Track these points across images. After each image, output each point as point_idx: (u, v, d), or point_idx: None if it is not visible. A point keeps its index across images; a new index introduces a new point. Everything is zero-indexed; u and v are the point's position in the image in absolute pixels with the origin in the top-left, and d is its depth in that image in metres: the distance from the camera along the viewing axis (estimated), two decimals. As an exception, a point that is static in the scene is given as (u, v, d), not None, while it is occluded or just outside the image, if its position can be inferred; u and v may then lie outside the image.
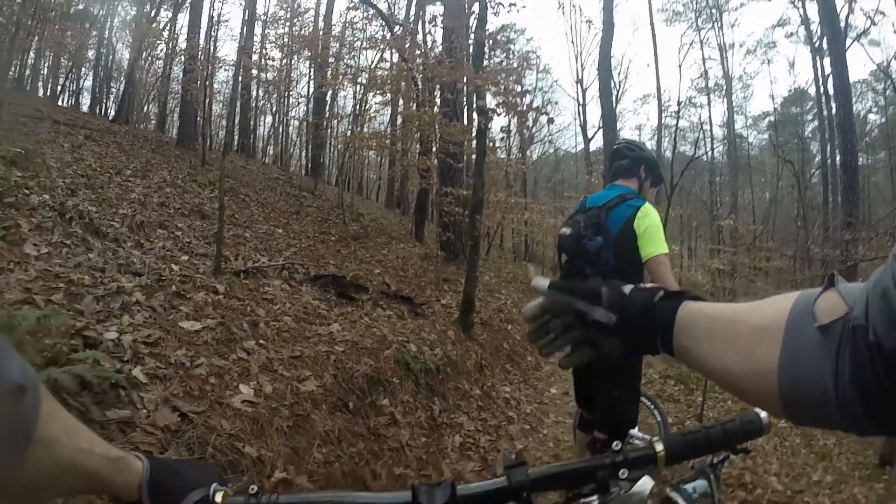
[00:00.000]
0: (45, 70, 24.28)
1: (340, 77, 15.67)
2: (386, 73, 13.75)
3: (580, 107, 33.18)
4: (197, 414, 2.59)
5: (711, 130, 31.52)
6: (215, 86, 20.28)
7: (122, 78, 24.16)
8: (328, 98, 21.46)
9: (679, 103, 27.96)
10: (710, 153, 29.42)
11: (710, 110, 36.60)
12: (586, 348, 0.84)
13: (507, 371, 7.56)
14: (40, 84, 23.81)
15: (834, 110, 16.35)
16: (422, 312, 6.66)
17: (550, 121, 12.63)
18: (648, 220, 3.23)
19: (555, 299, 0.84)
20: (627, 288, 0.80)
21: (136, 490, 0.82)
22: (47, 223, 4.76)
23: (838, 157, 16.05)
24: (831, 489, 4.89)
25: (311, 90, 21.68)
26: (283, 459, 2.73)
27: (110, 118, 18.48)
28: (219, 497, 0.87)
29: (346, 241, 10.08)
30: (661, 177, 3.67)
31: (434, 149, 11.54)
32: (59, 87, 23.38)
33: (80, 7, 22.75)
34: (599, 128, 26.23)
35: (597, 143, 30.53)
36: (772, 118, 31.83)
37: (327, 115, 19.80)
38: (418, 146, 13.50)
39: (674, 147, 20.42)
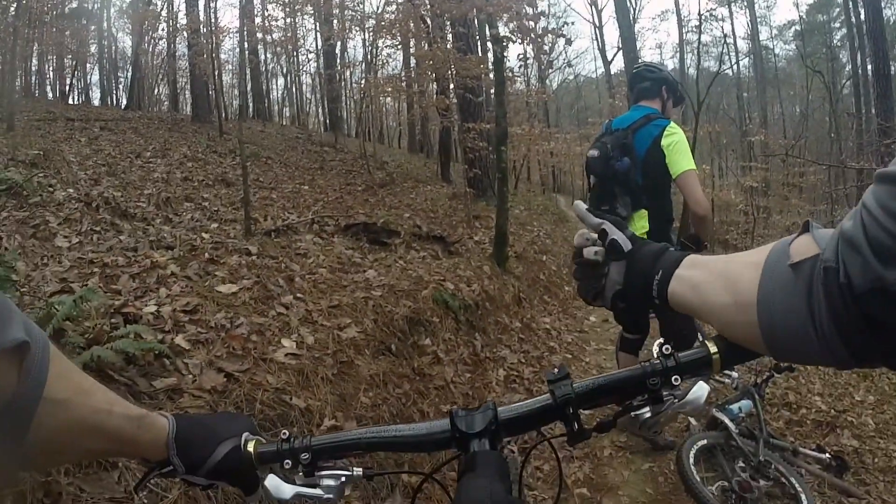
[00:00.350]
0: (51, 73, 24.50)
1: (347, 25, 15.38)
2: (393, 16, 13.44)
3: (597, 29, 32.34)
4: (242, 372, 2.61)
5: (735, 43, 30.39)
6: (222, 56, 20.13)
7: (127, 66, 24.20)
8: (337, 51, 21.21)
9: (700, 17, 26.89)
10: (735, 67, 28.39)
11: (732, 22, 34.92)
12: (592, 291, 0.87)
13: (546, 302, 7.54)
14: (48, 87, 24.10)
15: (863, 16, 15.53)
16: (455, 251, 6.64)
17: (568, 41, 12.22)
18: (675, 137, 3.34)
19: (587, 219, 0.86)
20: None
21: (164, 448, 0.80)
22: (75, 214, 4.82)
23: (869, 66, 15.42)
24: (874, 409, 4.89)
25: (320, 45, 21.40)
26: (330, 407, 2.76)
27: (122, 107, 18.62)
28: (250, 446, 0.86)
29: (373, 190, 10.05)
30: (682, 97, 3.78)
31: (452, 86, 11.32)
32: (66, 87, 23.62)
33: (75, 5, 22.71)
34: (618, 49, 25.41)
35: (617, 65, 29.75)
36: (798, 27, 30.57)
37: (339, 67, 19.56)
38: (435, 85, 13.26)
39: (697, 63, 19.69)
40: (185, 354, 2.65)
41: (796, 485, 3.21)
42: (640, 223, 3.45)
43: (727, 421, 3.50)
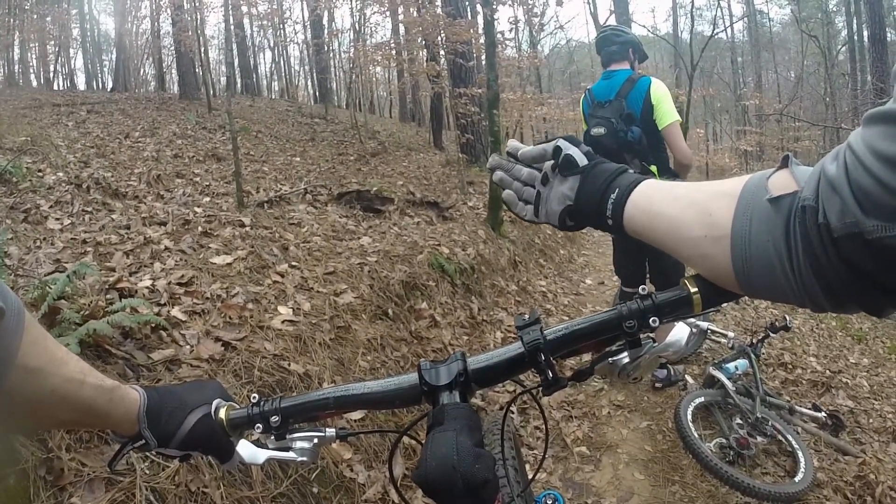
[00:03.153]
0: (34, 61, 24.20)
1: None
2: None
3: (589, -8, 31.74)
4: (239, 340, 2.62)
5: (730, 7, 29.80)
6: (208, 31, 19.89)
7: (111, 48, 23.94)
8: (325, 21, 20.95)
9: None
10: (729, 31, 27.97)
11: (726, -15, 34.39)
12: (530, 206, 0.85)
13: (541, 265, 7.54)
14: (32, 75, 23.79)
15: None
16: (450, 216, 6.61)
17: (559, 2, 12.02)
18: (661, 90, 3.52)
19: (533, 152, 0.83)
20: None
21: (135, 422, 0.80)
22: (65, 197, 4.78)
23: (865, 31, 15.22)
24: (868, 371, 4.95)
25: (307, 16, 21.15)
26: (329, 371, 2.77)
27: (109, 89, 18.41)
28: (222, 412, 0.85)
29: (366, 159, 9.99)
30: (645, 54, 3.89)
31: (442, 51, 11.18)
32: (51, 74, 23.33)
33: (54, -12, 22.31)
34: (611, 13, 25.04)
35: (610, 29, 29.23)
36: (792, -9, 29.91)
37: (326, 37, 19.30)
38: (425, 52, 13.10)
39: (691, 27, 19.23)
40: (182, 326, 2.66)
41: (793, 442, 3.26)
42: None
43: (724, 379, 3.54)
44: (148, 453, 0.87)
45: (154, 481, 1.80)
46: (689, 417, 3.18)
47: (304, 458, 0.85)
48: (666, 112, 3.46)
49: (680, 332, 0.76)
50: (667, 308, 0.70)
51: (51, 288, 2.57)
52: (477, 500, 0.66)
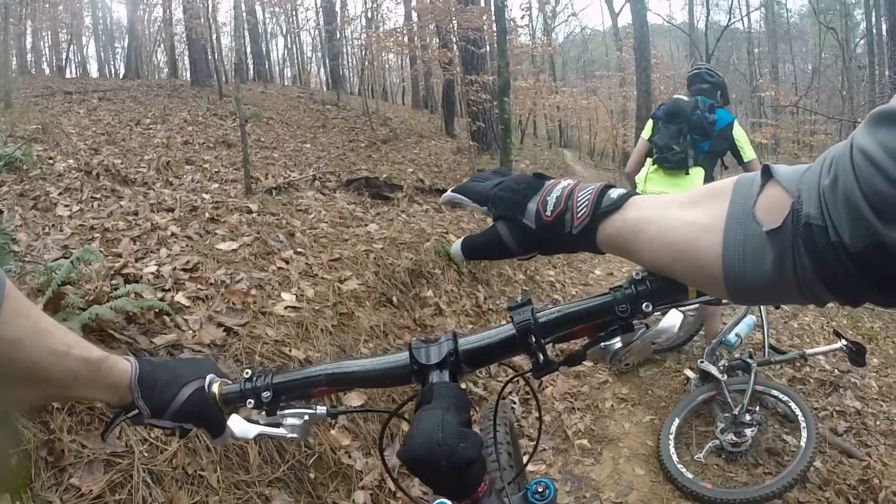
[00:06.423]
0: (46, 49, 24.31)
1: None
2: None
3: (604, -20, 31.38)
4: (241, 326, 2.63)
5: None
6: (220, 18, 19.90)
7: (123, 35, 24.03)
8: (337, 8, 20.94)
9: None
10: (745, 20, 27.56)
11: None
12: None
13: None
14: (45, 63, 23.91)
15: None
16: (459, 203, 6.61)
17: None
18: (742, 131, 3.97)
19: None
20: None
21: (128, 392, 0.79)
22: (75, 184, 4.82)
23: (884, 24, 14.96)
24: (878, 372, 4.82)
25: (319, 2, 21.15)
26: (330, 358, 2.77)
27: (121, 76, 18.49)
28: (215, 387, 0.85)
29: (376, 146, 10.00)
30: (728, 98, 4.22)
31: (454, 38, 11.16)
32: (63, 61, 23.42)
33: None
34: (626, 1, 24.75)
35: (624, 18, 28.95)
36: (811, -19, 29.34)
37: (339, 24, 19.27)
38: (437, 39, 13.07)
39: (707, 15, 18.80)
40: (185, 311, 2.67)
41: (792, 405, 3.12)
42: (697, 180, 3.86)
43: (714, 372, 3.40)
44: (141, 424, 0.87)
45: (152, 463, 1.82)
46: (672, 444, 3.11)
47: (295, 435, 0.84)
48: (750, 149, 3.93)
49: (673, 318, 0.74)
50: (660, 293, 0.69)
51: (55, 273, 2.59)
52: (461, 479, 0.66)
